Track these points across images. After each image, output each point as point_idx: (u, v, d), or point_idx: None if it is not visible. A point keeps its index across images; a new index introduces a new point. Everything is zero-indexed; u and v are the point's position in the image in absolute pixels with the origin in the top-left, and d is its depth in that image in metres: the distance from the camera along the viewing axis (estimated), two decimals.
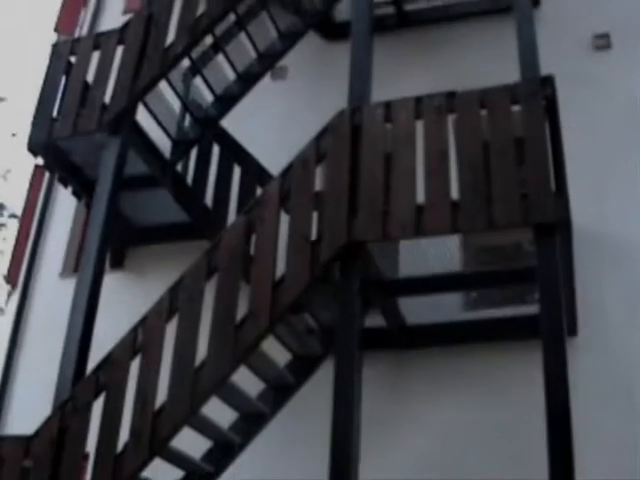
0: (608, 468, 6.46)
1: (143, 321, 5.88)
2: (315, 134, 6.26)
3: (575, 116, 7.31)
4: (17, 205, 13.46)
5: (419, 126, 6.01)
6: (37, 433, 5.66)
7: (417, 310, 7.24)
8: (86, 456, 5.76)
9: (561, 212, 5.58)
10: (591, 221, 7.38)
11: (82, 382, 5.88)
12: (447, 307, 7.42)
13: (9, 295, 11.13)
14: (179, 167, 8.47)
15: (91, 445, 5.59)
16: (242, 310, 5.70)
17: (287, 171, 6.15)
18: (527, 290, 7.36)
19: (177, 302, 5.87)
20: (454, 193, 5.73)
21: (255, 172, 8.43)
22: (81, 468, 5.67)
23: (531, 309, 6.58)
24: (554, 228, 5.48)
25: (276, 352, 6.55)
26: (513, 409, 6.88)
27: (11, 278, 10.71)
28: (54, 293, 9.50)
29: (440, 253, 6.95)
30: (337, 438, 5.23)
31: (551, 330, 5.17)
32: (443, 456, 7.03)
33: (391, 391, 7.44)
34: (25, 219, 10.64)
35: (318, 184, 6.15)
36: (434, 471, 6.96)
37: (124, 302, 8.49)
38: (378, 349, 7.23)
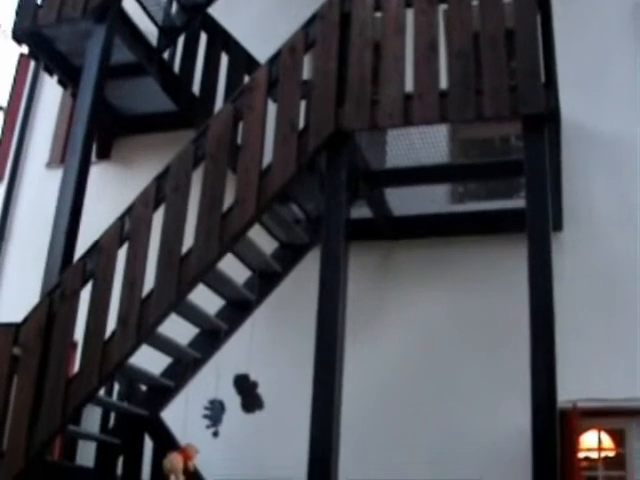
0: (588, 357, 6.65)
1: (130, 210, 5.85)
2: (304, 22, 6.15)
3: (569, 10, 7.22)
4: (2, 96, 13.25)
5: (409, 15, 5.90)
6: (25, 320, 5.66)
7: (404, 202, 7.26)
8: (74, 344, 5.82)
9: (550, 104, 5.51)
10: (581, 116, 7.36)
11: (69, 269, 5.88)
12: (434, 199, 7.42)
13: None
14: (166, 55, 8.34)
15: (79, 333, 5.64)
16: (229, 199, 5.69)
17: (275, 58, 6.03)
18: (514, 185, 7.38)
19: (164, 191, 5.84)
20: (443, 83, 5.67)
21: (243, 60, 8.30)
22: (69, 355, 5.71)
23: (517, 203, 6.61)
24: (542, 120, 5.42)
25: (263, 241, 6.59)
26: (497, 299, 6.97)
27: None
28: (41, 184, 9.50)
29: (427, 145, 6.91)
30: (323, 327, 5.27)
31: (537, 224, 5.15)
32: (427, 343, 7.16)
33: (377, 281, 7.52)
34: (11, 110, 10.52)
35: (306, 73, 6.07)
36: (418, 357, 7.10)
37: (111, 192, 8.51)
38: (364, 240, 7.28)
